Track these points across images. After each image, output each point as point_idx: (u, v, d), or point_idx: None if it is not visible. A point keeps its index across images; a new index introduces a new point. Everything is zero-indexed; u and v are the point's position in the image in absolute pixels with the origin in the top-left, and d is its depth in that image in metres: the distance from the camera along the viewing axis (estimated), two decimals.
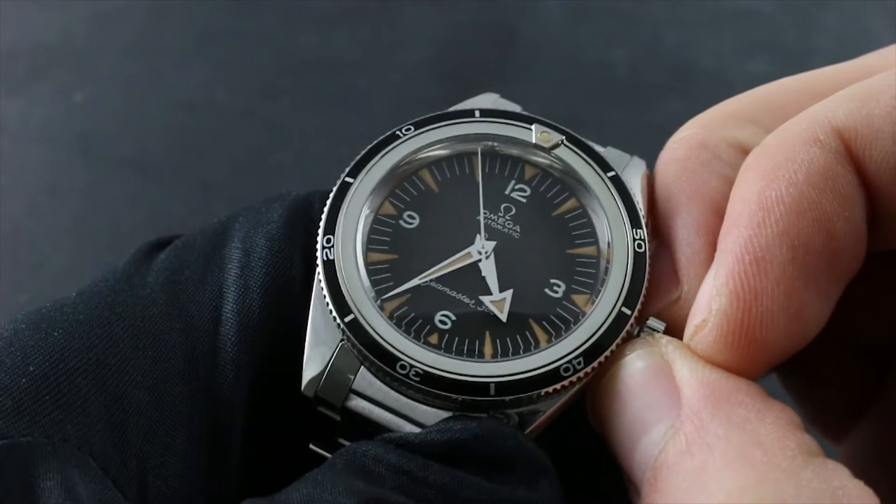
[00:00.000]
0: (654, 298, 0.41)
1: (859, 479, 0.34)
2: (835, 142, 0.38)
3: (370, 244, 0.41)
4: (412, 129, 0.44)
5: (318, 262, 0.40)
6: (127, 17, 0.97)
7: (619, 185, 0.43)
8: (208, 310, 0.40)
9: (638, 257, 0.41)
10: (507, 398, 0.38)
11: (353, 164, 0.43)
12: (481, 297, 0.40)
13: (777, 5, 1.00)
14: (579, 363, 0.39)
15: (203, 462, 0.38)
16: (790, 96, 0.43)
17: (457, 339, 0.39)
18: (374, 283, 0.40)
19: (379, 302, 0.40)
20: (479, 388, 0.38)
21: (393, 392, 0.39)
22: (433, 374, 0.38)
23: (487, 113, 0.44)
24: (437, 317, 0.40)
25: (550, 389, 0.39)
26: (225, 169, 0.88)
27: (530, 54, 0.97)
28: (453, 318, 0.40)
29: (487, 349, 0.39)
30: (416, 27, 0.98)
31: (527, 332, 0.40)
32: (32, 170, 0.88)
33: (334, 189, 0.42)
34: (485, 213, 0.42)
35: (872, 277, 0.42)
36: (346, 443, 0.39)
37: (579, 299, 0.41)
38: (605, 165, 0.43)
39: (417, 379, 0.38)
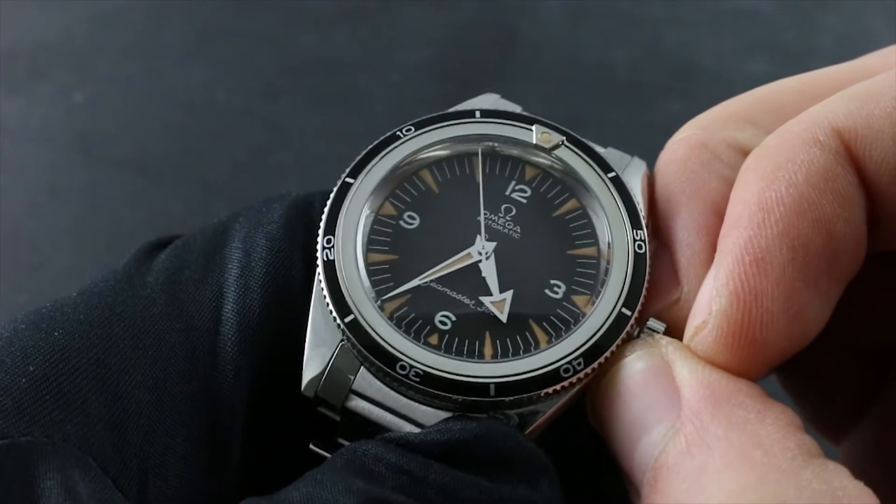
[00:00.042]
0: (655, 299, 0.41)
1: (859, 480, 0.34)
2: (835, 142, 0.38)
3: (370, 244, 0.41)
4: (412, 129, 0.44)
5: (319, 262, 0.40)
6: (127, 17, 0.97)
7: (619, 185, 0.43)
8: (208, 310, 0.40)
9: (638, 258, 0.41)
10: (507, 399, 0.38)
11: (353, 164, 0.43)
12: (481, 298, 0.40)
13: (777, 5, 1.00)
14: (579, 364, 0.39)
15: (203, 462, 0.38)
16: (790, 97, 0.43)
17: (457, 339, 0.39)
18: (374, 284, 0.40)
19: (379, 302, 0.40)
20: (478, 388, 0.38)
21: (393, 392, 0.39)
22: (433, 375, 0.38)
23: (488, 113, 0.44)
24: (438, 317, 0.40)
25: (550, 390, 0.39)
26: (225, 169, 0.88)
27: (530, 54, 0.97)
28: (453, 318, 0.40)
29: (487, 350, 0.39)
30: (416, 27, 0.98)
31: (527, 333, 0.40)
32: (32, 170, 0.88)
33: (335, 189, 0.42)
34: (485, 214, 0.42)
35: (872, 278, 0.42)
36: (346, 443, 0.39)
37: (579, 300, 0.41)
38: (605, 166, 0.43)
39: (417, 379, 0.38)
